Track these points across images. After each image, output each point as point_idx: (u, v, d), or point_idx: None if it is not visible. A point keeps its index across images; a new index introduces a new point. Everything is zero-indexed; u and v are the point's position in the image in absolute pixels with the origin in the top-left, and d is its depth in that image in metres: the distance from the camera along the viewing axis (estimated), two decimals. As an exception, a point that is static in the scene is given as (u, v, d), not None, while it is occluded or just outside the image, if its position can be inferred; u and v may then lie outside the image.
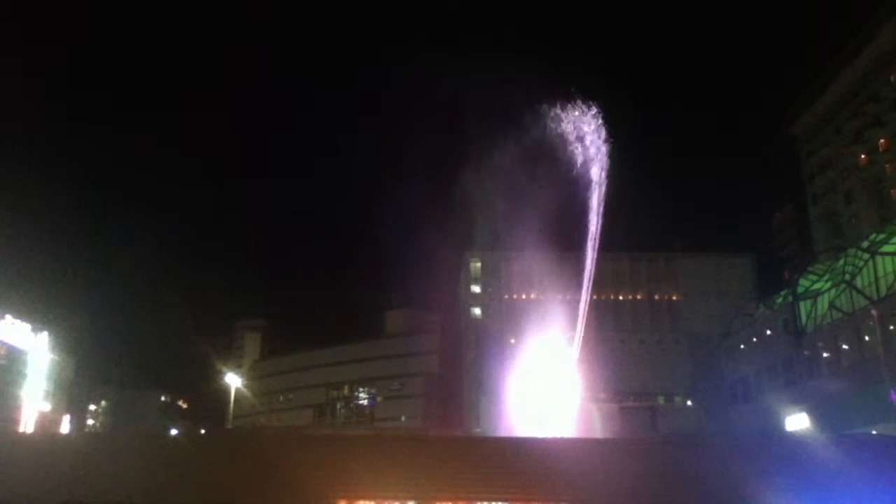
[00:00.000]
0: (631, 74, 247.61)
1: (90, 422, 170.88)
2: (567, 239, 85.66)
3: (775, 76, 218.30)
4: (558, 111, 68.39)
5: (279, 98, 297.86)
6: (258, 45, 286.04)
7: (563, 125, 67.51)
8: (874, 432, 54.67)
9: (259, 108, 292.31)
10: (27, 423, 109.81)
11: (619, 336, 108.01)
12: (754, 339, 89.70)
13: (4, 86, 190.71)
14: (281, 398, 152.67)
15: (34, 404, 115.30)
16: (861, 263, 68.84)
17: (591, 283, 73.77)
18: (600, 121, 65.15)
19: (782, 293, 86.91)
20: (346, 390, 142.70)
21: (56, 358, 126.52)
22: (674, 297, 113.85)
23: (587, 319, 76.50)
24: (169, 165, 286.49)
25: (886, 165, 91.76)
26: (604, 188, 65.78)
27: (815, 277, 78.82)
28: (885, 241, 66.86)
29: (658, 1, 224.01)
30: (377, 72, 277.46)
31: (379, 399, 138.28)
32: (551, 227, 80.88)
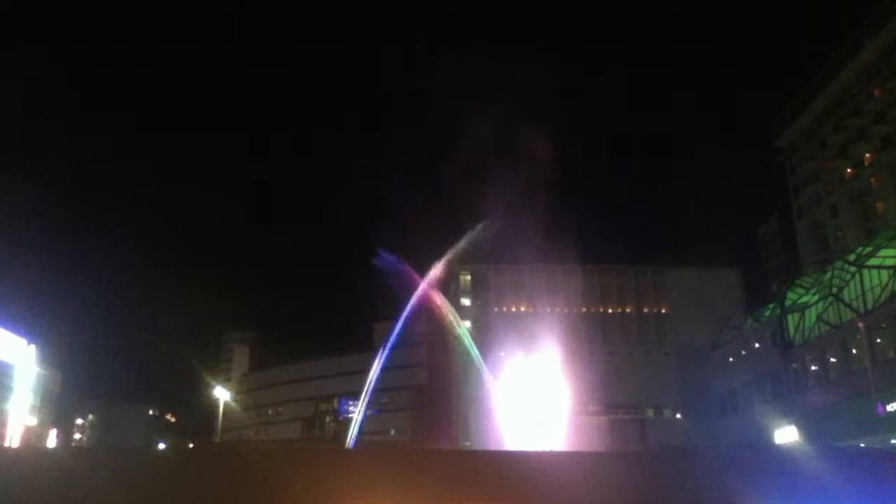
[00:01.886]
0: (623, 80, 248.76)
1: (77, 436, 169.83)
2: (557, 252, 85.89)
3: (762, 87, 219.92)
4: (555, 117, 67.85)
5: (269, 108, 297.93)
6: (253, 47, 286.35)
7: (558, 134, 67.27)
8: (861, 445, 54.97)
9: (250, 118, 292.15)
10: (13, 438, 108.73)
11: (607, 349, 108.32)
12: (742, 352, 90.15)
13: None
14: (269, 411, 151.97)
15: (20, 418, 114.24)
16: (848, 276, 69.43)
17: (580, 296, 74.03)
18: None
19: (770, 306, 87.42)
20: (334, 403, 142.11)
21: (43, 371, 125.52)
22: (662, 310, 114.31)
23: (576, 332, 76.77)
24: (157, 177, 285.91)
25: (871, 179, 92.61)
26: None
27: (802, 290, 79.39)
28: (872, 255, 67.49)
29: (648, 5, 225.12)
30: (371, 85, 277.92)
31: (367, 412, 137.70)
32: (541, 240, 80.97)
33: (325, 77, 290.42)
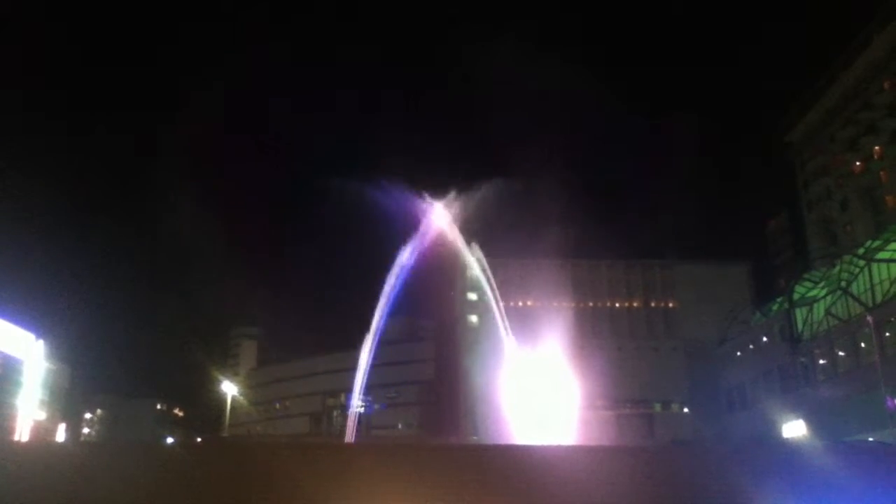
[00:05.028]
0: (626, 79, 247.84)
1: (86, 431, 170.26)
2: (563, 247, 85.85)
3: (772, 82, 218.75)
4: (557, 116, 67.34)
5: (279, 99, 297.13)
6: (262, 43, 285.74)
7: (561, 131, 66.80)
8: (870, 439, 54.77)
9: (259, 111, 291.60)
10: (22, 432, 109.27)
11: (615, 343, 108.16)
12: (751, 346, 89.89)
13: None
14: (277, 406, 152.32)
15: (29, 413, 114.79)
16: (857, 270, 69.12)
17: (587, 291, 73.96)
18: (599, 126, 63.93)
19: (778, 300, 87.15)
20: (342, 398, 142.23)
21: (51, 366, 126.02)
22: (670, 305, 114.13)
23: (584, 327, 76.61)
24: (164, 173, 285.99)
25: (881, 173, 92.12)
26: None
27: (810, 284, 79.11)
28: (881, 249, 67.20)
29: (657, 2, 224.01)
30: (375, 80, 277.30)
31: (375, 407, 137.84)
32: (548, 234, 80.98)
33: (331, 80, 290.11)
